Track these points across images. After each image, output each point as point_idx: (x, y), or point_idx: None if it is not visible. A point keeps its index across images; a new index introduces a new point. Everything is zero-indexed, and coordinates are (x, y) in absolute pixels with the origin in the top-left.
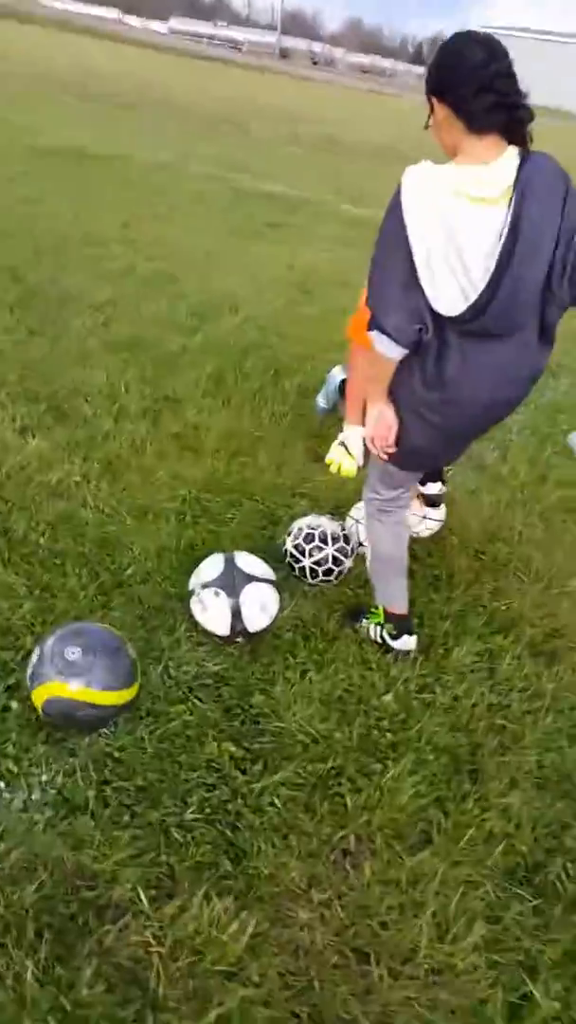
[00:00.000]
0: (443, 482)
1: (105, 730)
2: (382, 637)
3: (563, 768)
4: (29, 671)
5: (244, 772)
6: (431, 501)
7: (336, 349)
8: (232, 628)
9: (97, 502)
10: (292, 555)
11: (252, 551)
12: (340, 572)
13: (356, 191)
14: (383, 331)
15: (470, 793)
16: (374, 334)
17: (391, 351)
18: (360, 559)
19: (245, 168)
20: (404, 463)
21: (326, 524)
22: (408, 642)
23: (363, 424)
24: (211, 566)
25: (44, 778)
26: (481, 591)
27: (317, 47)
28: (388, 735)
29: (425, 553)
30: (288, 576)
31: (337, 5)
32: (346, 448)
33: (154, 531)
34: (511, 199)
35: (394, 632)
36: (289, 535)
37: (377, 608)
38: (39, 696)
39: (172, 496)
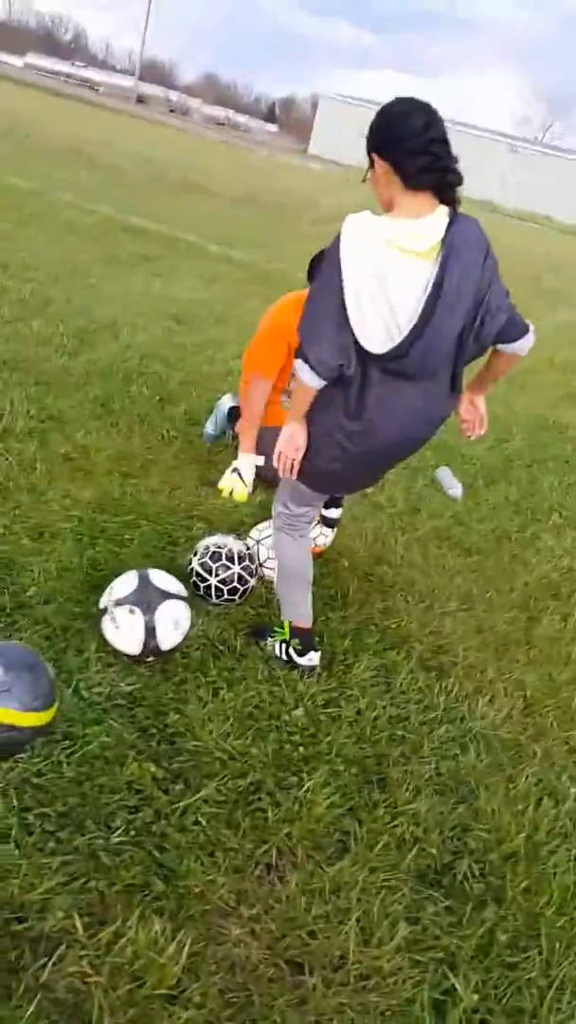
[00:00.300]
0: (339, 507)
1: (21, 755)
2: (288, 654)
3: (459, 775)
4: None
5: (166, 792)
6: (328, 523)
7: (218, 379)
8: (144, 646)
9: None
10: (198, 574)
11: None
12: (245, 591)
13: (219, 233)
14: (307, 362)
15: (380, 801)
16: (299, 363)
17: (312, 381)
18: (262, 580)
19: (112, 203)
20: (315, 485)
21: (232, 543)
22: (313, 658)
23: (256, 452)
24: (125, 583)
25: None
26: (372, 610)
27: (174, 95)
28: (300, 749)
29: (320, 575)
30: (192, 595)
31: (193, 58)
32: (239, 475)
33: (52, 551)
34: (438, 255)
35: (299, 648)
36: (195, 554)
37: (282, 626)
38: None
39: (66, 516)
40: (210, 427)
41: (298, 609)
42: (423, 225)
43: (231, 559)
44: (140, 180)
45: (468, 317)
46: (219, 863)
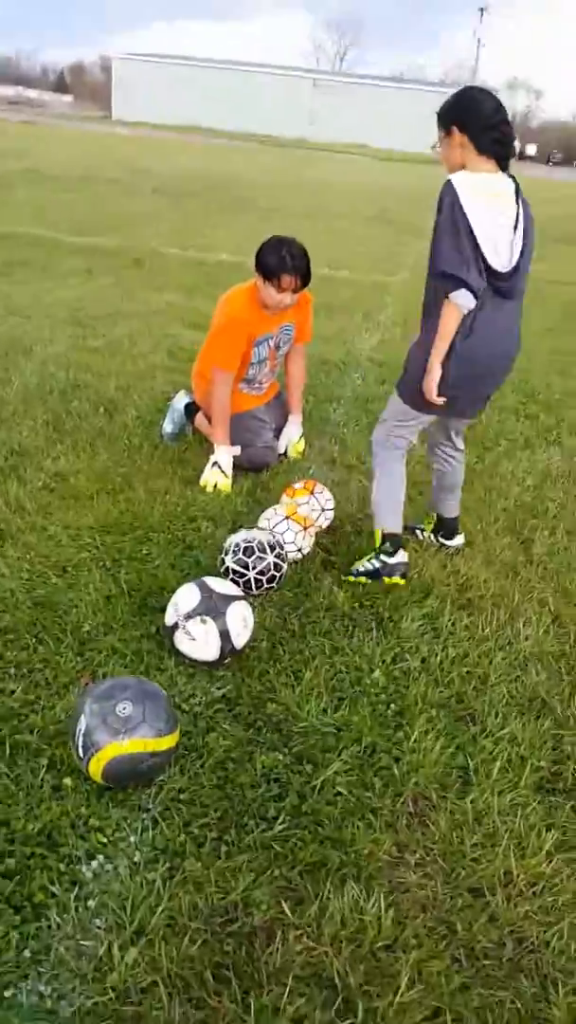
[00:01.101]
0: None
1: (160, 778)
2: (380, 560)
3: (529, 693)
4: (79, 743)
5: (299, 774)
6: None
7: (148, 375)
8: (222, 651)
9: (10, 571)
10: (235, 571)
11: (188, 576)
12: (281, 577)
13: (76, 222)
14: (468, 287)
15: (477, 734)
16: (459, 293)
17: (470, 303)
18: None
19: None
20: (429, 405)
21: (259, 535)
22: (403, 555)
23: (230, 444)
24: (188, 597)
25: (133, 839)
26: None
27: None
28: (391, 706)
29: (330, 543)
30: None
31: None
32: (220, 468)
33: (85, 584)
34: (516, 200)
35: (390, 550)
36: (226, 553)
37: (373, 536)
38: (98, 764)
39: (80, 547)
40: (168, 426)
41: (392, 517)
42: (500, 179)
43: (263, 549)
44: None
45: (531, 252)
46: (372, 823)
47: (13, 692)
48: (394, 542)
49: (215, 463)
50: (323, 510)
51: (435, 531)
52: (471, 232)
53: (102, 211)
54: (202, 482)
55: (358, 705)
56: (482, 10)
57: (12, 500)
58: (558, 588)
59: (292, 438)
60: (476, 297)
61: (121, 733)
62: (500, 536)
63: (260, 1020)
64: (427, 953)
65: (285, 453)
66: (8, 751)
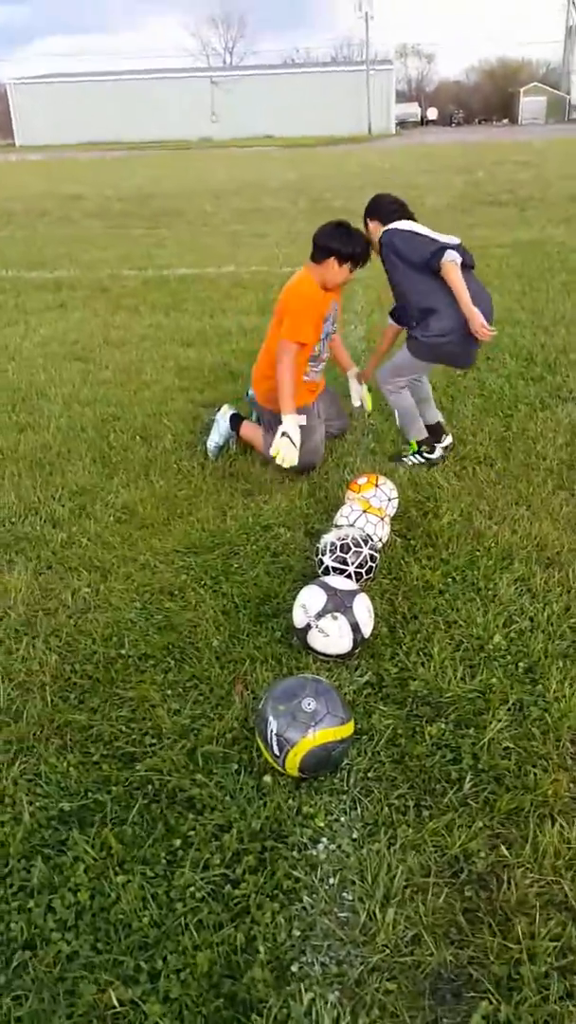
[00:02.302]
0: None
1: (344, 763)
2: (423, 456)
3: None
4: (272, 743)
5: (465, 738)
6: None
7: (168, 399)
8: (354, 642)
9: (123, 603)
10: (335, 568)
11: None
12: (376, 567)
13: (26, 258)
14: (455, 249)
15: None
16: (450, 254)
17: (458, 259)
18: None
19: None
20: (433, 355)
21: (348, 531)
22: (443, 442)
23: (297, 413)
24: (314, 597)
25: (344, 820)
26: (469, 542)
27: None
28: (520, 665)
29: (405, 528)
30: None
31: None
32: (289, 438)
33: (197, 604)
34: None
35: (429, 449)
36: (323, 554)
37: (409, 443)
38: (295, 758)
39: (176, 570)
40: (216, 438)
41: (419, 429)
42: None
43: (358, 544)
44: None
45: None
46: (546, 767)
47: (179, 711)
48: (428, 443)
49: (284, 433)
50: (389, 499)
51: (421, 444)
52: (417, 232)
53: (45, 243)
54: (272, 451)
55: (491, 669)
56: None
57: (94, 537)
58: None
59: (361, 391)
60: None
61: (311, 727)
62: (556, 494)
63: (524, 947)
64: None
65: (362, 406)
66: (202, 762)
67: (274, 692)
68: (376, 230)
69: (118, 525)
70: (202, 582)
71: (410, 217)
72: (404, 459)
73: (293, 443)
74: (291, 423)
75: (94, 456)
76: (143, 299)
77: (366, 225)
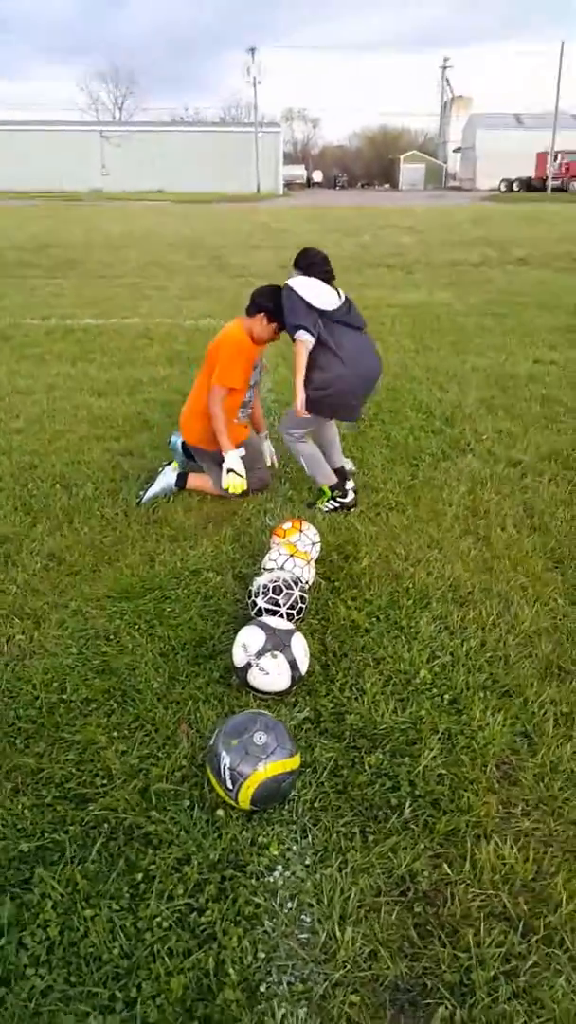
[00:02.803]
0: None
1: (292, 794)
2: (337, 500)
3: (548, 660)
4: (225, 778)
5: (402, 766)
6: (345, 476)
7: (86, 447)
8: (292, 679)
9: (59, 649)
10: (267, 609)
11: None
12: (306, 607)
13: None
14: (307, 330)
15: (522, 703)
16: (301, 334)
17: (311, 340)
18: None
19: None
20: (320, 411)
21: (279, 574)
22: (350, 487)
23: (234, 447)
24: (253, 636)
25: (295, 847)
26: (389, 585)
27: None
28: (445, 697)
29: (328, 572)
30: None
31: None
32: (234, 471)
33: (133, 648)
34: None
35: (340, 493)
36: (257, 596)
37: (322, 491)
38: (247, 791)
39: (109, 615)
40: (152, 492)
41: (327, 474)
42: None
43: (288, 586)
44: None
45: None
46: (476, 791)
47: (127, 751)
48: (339, 486)
49: (230, 470)
50: (313, 543)
51: (333, 489)
52: (305, 303)
53: None
54: (225, 485)
55: (419, 702)
56: (252, 50)
57: (23, 585)
58: (527, 573)
59: (271, 450)
60: (313, 337)
61: (262, 759)
62: (463, 538)
63: (474, 955)
64: (568, 876)
65: (274, 465)
66: (155, 800)
67: (225, 728)
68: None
69: (46, 572)
70: (137, 626)
71: (323, 274)
72: (319, 506)
73: (239, 474)
74: (233, 458)
75: (15, 504)
76: (48, 349)
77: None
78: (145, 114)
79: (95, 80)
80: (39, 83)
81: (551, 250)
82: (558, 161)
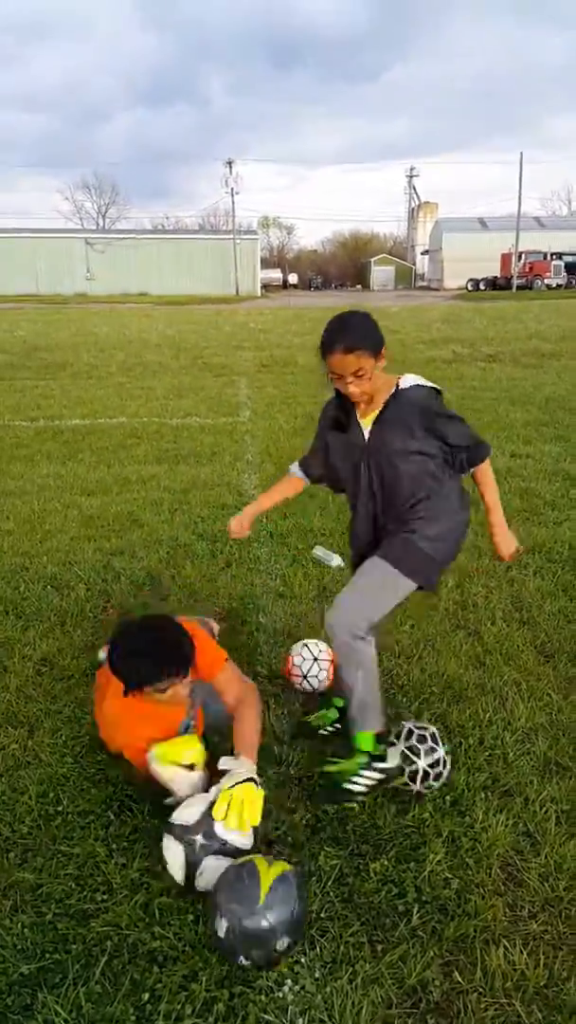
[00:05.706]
0: None
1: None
2: (376, 769)
3: (547, 757)
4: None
5: (407, 871)
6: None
7: (78, 547)
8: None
9: (53, 759)
10: (405, 756)
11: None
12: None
13: None
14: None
15: (523, 803)
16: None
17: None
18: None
19: None
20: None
21: (429, 726)
22: (395, 751)
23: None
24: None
25: (304, 960)
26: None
27: None
28: (447, 798)
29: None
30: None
31: None
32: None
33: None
34: None
35: (383, 751)
36: (399, 736)
37: (362, 737)
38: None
39: None
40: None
41: (381, 714)
42: None
43: (435, 741)
44: None
45: None
46: (482, 894)
47: (127, 864)
48: (382, 739)
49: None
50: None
51: (379, 742)
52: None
53: None
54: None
55: (422, 805)
56: (230, 162)
57: (15, 691)
58: (520, 668)
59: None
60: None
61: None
62: (454, 633)
63: None
64: None
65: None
66: (158, 915)
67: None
68: (380, 367)
69: (39, 678)
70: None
71: None
72: (354, 783)
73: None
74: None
75: (6, 607)
76: (38, 449)
77: (378, 353)
78: (127, 222)
79: (79, 190)
80: (24, 194)
81: (519, 347)
82: (522, 261)
